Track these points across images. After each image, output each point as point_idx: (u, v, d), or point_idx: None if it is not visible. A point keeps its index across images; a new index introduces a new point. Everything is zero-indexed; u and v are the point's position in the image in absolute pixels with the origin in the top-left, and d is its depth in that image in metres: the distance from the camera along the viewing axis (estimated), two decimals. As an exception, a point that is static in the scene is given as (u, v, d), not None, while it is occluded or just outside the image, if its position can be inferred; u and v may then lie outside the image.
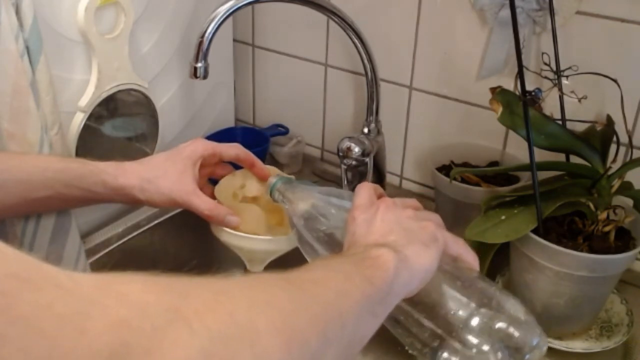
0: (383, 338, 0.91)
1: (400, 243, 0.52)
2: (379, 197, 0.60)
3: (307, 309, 0.39)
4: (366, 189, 0.59)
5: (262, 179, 0.76)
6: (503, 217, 0.70)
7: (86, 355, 0.28)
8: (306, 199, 0.64)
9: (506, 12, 0.82)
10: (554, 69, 0.75)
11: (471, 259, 0.57)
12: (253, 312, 0.35)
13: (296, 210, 0.64)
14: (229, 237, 0.70)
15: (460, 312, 0.52)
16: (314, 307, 0.40)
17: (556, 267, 0.68)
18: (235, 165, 0.77)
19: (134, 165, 0.71)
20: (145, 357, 0.29)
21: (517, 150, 0.89)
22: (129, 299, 0.31)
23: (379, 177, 0.95)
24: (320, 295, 0.42)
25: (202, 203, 0.69)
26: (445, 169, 0.89)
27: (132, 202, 0.71)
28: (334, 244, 0.60)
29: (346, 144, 0.85)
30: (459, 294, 0.54)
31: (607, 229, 0.70)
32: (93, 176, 0.68)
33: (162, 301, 0.32)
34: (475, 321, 0.52)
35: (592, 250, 0.69)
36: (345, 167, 0.88)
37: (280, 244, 0.70)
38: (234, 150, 0.75)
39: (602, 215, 0.71)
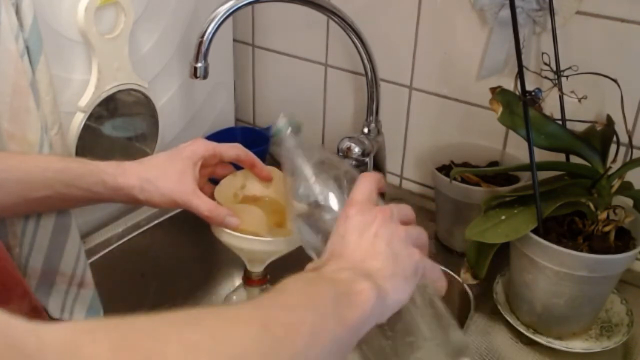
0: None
1: (383, 274, 0.51)
2: (380, 190, 0.59)
3: None
4: (368, 183, 0.58)
5: (263, 179, 0.76)
6: (503, 217, 0.70)
7: None
8: (305, 169, 0.62)
9: (506, 12, 0.82)
10: (554, 69, 0.75)
11: (441, 286, 0.58)
12: None
13: (291, 173, 0.63)
14: (229, 237, 0.70)
15: (411, 339, 0.53)
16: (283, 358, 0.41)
17: (556, 267, 0.68)
18: (236, 166, 0.77)
19: (134, 165, 0.71)
20: None
21: (517, 150, 0.89)
22: None
23: (379, 177, 0.95)
24: (291, 343, 0.42)
25: (202, 204, 0.69)
26: (445, 169, 0.89)
27: (131, 202, 0.71)
28: (319, 225, 0.59)
29: (346, 144, 0.85)
30: (418, 319, 0.55)
31: (607, 229, 0.70)
32: (93, 176, 0.68)
33: None
34: (420, 350, 0.53)
35: (592, 250, 0.69)
36: (345, 167, 0.88)
37: (281, 245, 0.70)
38: (234, 150, 0.75)
39: (602, 215, 0.71)
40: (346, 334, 0.46)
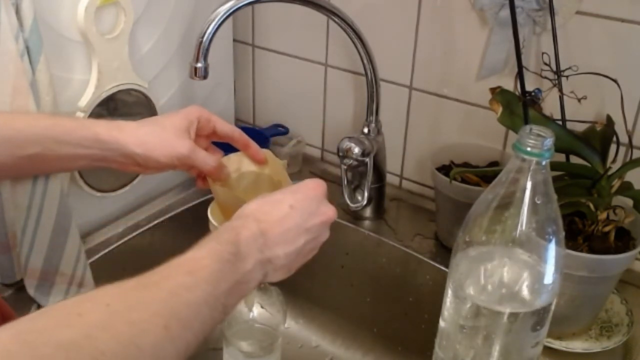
0: (383, 337, 0.91)
1: (278, 263, 0.56)
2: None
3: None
4: (322, 186, 0.61)
5: (257, 162, 0.74)
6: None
7: None
8: None
9: (506, 12, 0.82)
10: (554, 69, 0.75)
11: None
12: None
13: None
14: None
15: None
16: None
17: (556, 267, 0.68)
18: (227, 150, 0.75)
19: (130, 123, 0.68)
20: None
21: (517, 150, 0.89)
22: None
23: (379, 177, 0.95)
24: (180, 340, 0.45)
25: (208, 156, 0.68)
26: (445, 169, 0.89)
27: (126, 163, 0.68)
28: None
29: (346, 144, 0.85)
30: None
31: (607, 229, 0.70)
32: (84, 129, 0.65)
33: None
34: None
35: (592, 251, 0.69)
36: (345, 167, 0.88)
37: None
38: (228, 126, 0.73)
39: (602, 216, 0.71)
40: (223, 317, 0.51)
